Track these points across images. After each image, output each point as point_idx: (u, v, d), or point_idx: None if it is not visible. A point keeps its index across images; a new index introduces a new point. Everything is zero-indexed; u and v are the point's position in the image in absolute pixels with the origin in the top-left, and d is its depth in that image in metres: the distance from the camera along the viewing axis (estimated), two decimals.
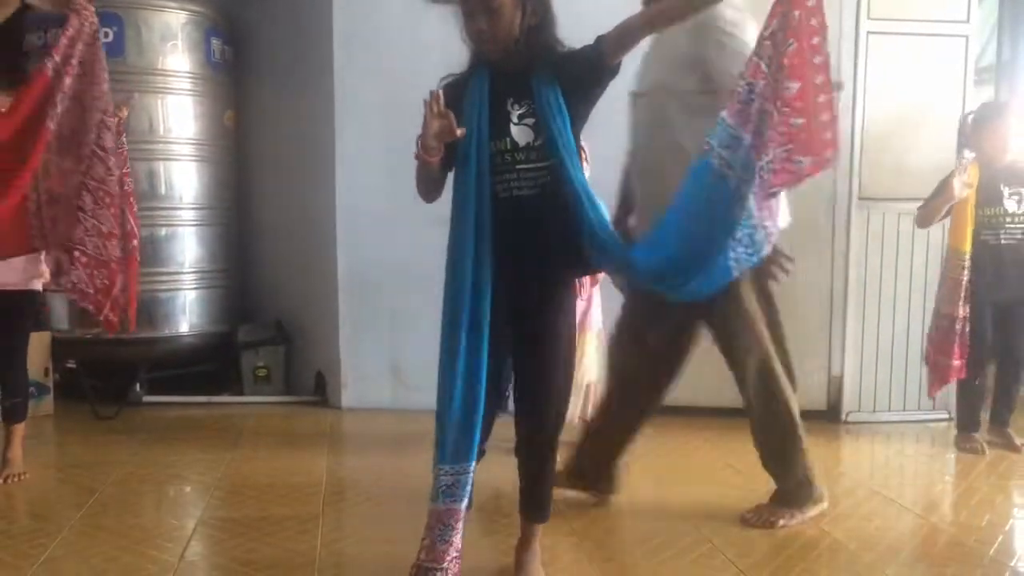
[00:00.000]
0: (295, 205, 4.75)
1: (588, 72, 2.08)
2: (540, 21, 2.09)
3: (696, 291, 2.20)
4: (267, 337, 4.70)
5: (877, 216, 4.08)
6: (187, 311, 4.52)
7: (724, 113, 2.15)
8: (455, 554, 2.14)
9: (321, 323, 4.49)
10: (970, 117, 3.73)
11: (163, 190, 4.38)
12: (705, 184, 2.15)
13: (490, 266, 2.07)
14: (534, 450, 2.23)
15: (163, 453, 3.59)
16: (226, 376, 4.74)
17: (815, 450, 3.64)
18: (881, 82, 4.02)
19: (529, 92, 2.08)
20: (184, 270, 4.49)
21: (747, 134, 2.11)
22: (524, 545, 2.31)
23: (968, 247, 3.57)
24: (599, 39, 2.06)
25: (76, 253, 3.04)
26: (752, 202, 2.10)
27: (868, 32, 3.99)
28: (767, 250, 2.16)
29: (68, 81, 2.99)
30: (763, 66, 2.11)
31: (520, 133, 2.08)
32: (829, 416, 4.17)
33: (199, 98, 4.50)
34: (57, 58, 2.97)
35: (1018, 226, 3.62)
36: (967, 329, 3.57)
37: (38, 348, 4.18)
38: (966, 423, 3.75)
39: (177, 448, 3.66)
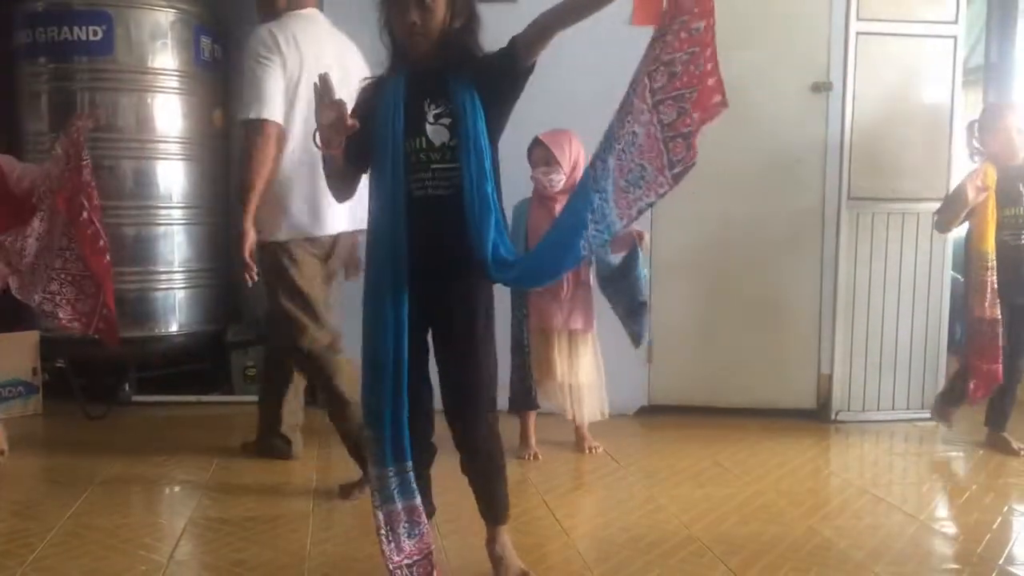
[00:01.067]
0: None
1: (504, 73, 2.07)
2: (465, 22, 2.10)
3: (531, 280, 2.36)
4: (257, 336, 4.67)
5: (867, 216, 4.09)
6: (176, 310, 4.50)
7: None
8: (430, 545, 2.16)
9: None
10: (976, 122, 3.75)
11: (152, 189, 4.36)
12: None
13: (406, 265, 2.07)
14: (471, 449, 2.24)
15: (152, 452, 3.57)
16: (216, 375, 4.73)
17: (806, 450, 3.69)
18: (870, 82, 4.03)
19: (446, 92, 2.07)
20: (173, 269, 4.47)
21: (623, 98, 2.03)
22: (491, 542, 2.34)
23: (990, 248, 3.57)
24: (512, 40, 2.06)
25: (54, 287, 3.13)
26: (612, 169, 1.99)
27: (857, 33, 4.00)
28: (621, 228, 2.01)
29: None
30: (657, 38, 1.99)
31: (435, 133, 2.07)
32: (819, 415, 4.19)
33: (188, 96, 4.47)
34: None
35: None
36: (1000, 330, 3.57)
37: (26, 347, 4.16)
38: (1000, 422, 3.74)
39: (167, 448, 3.64)
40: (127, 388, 4.41)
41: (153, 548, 2.57)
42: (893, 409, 4.17)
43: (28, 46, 4.26)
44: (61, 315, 3.22)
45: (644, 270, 3.41)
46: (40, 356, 4.25)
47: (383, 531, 2.13)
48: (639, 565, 2.45)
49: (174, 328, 4.50)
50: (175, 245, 4.46)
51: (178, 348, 4.59)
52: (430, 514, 2.30)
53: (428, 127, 2.08)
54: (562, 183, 3.40)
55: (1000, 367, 3.59)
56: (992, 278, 3.57)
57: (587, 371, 3.54)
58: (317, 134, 2.00)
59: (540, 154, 3.42)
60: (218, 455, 3.52)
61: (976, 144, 3.72)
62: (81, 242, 3.13)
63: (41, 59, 4.27)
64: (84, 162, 3.13)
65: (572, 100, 3.87)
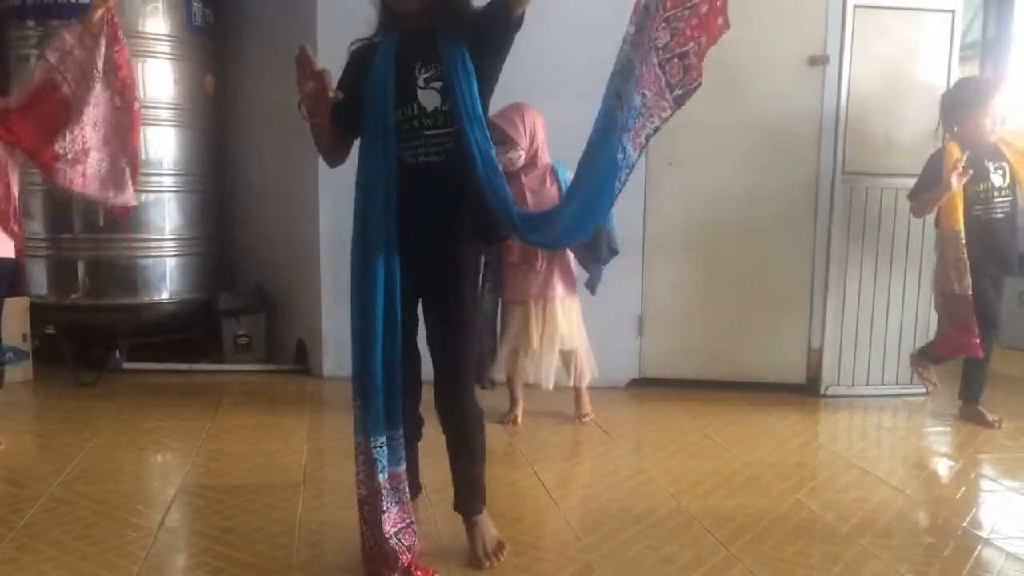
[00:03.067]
0: (276, 171, 4.70)
1: (493, 28, 2.02)
2: None
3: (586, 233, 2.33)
4: (248, 305, 4.67)
5: (860, 191, 4.09)
6: (167, 278, 4.48)
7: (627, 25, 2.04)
8: (411, 515, 2.16)
9: (302, 291, 4.47)
10: (948, 95, 3.74)
11: (143, 155, 4.31)
12: (605, 98, 2.07)
13: (396, 234, 2.05)
14: (454, 419, 2.23)
15: (143, 420, 3.58)
16: (207, 343, 4.72)
17: (795, 423, 3.71)
18: (867, 57, 4.01)
19: (436, 55, 2.03)
20: (164, 236, 4.45)
21: (632, 28, 2.00)
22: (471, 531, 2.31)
23: (962, 225, 3.59)
24: None
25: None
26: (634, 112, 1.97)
27: (855, 6, 3.97)
28: (636, 159, 1.99)
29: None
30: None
31: (427, 97, 2.04)
32: (808, 389, 4.21)
33: (179, 62, 4.43)
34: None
35: (1004, 199, 3.66)
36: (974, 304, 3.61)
37: (16, 313, 4.13)
38: (975, 394, 3.78)
39: (157, 415, 3.65)
40: (118, 355, 4.40)
41: (143, 515, 2.57)
42: (882, 384, 4.19)
43: (16, 9, 4.21)
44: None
45: (613, 221, 3.41)
46: (30, 322, 4.23)
47: (367, 504, 2.12)
48: (628, 536, 2.47)
49: (165, 296, 4.49)
50: (166, 212, 4.44)
51: (169, 316, 4.58)
52: (415, 494, 2.30)
53: (419, 92, 2.04)
54: (523, 158, 3.37)
55: (977, 341, 3.61)
56: (964, 253, 3.60)
57: (577, 336, 3.55)
58: (301, 105, 1.94)
59: (494, 135, 3.37)
60: (209, 423, 3.52)
61: (946, 118, 3.71)
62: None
63: (29, 22, 4.21)
64: (121, 44, 3.14)
65: (560, 66, 3.85)
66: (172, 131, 4.45)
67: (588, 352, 3.61)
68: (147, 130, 4.32)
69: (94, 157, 3.15)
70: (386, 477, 2.11)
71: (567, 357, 3.57)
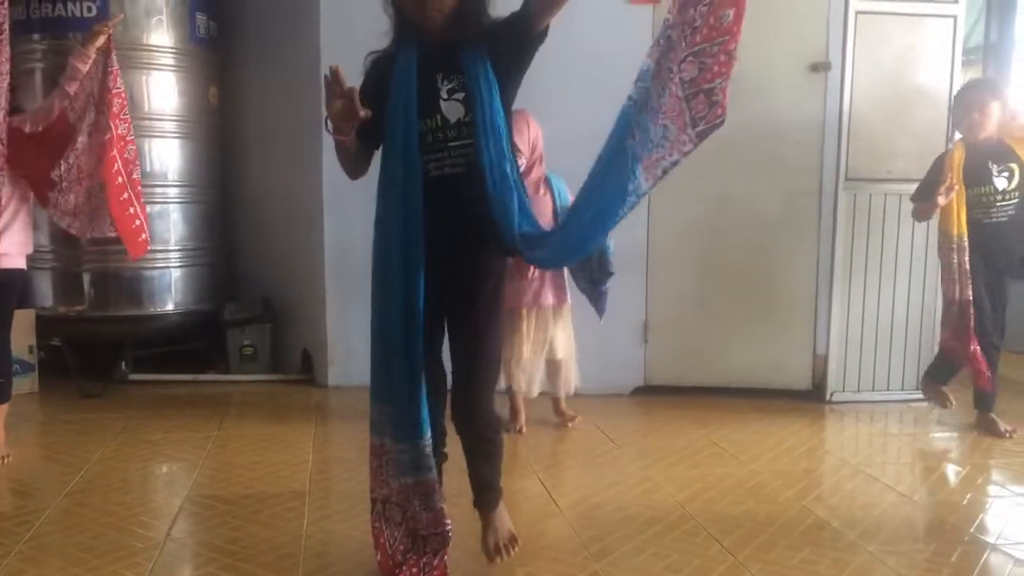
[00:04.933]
0: (281, 182, 4.72)
1: (516, 40, 2.02)
2: None
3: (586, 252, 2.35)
4: (253, 315, 4.68)
5: (864, 196, 4.08)
6: (173, 289, 4.50)
7: (645, 57, 2.02)
8: (445, 523, 2.15)
9: (307, 301, 4.48)
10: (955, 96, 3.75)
11: (147, 167, 4.33)
12: (618, 127, 2.02)
13: (422, 246, 2.04)
14: (471, 429, 2.22)
15: (149, 431, 3.58)
16: (212, 354, 4.73)
17: (800, 430, 3.70)
18: (869, 63, 4.01)
19: (458, 66, 2.02)
20: (170, 248, 4.46)
21: (651, 61, 1.98)
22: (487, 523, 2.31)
23: (957, 230, 3.58)
24: (525, 4, 2.00)
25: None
26: (655, 135, 1.94)
27: (857, 12, 3.98)
28: (647, 189, 1.97)
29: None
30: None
31: (450, 109, 2.03)
32: (814, 396, 4.20)
33: (183, 74, 4.45)
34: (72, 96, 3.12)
35: (1009, 203, 3.60)
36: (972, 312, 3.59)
37: (22, 325, 4.15)
38: (989, 403, 3.73)
39: (163, 426, 3.65)
40: (123, 366, 4.41)
41: (150, 526, 2.58)
42: (888, 390, 4.18)
43: (22, 22, 4.23)
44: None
45: (611, 242, 3.40)
46: (36, 334, 4.24)
47: (385, 515, 2.14)
48: (634, 544, 2.47)
49: (170, 307, 4.50)
50: (171, 224, 4.46)
51: (175, 327, 4.59)
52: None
53: (442, 104, 2.03)
54: (522, 167, 3.38)
55: (973, 348, 3.60)
56: (961, 259, 3.59)
57: (564, 345, 3.56)
58: (328, 121, 1.95)
59: None
60: (214, 433, 3.53)
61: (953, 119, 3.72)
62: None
63: (35, 35, 4.24)
64: (113, 68, 3.16)
65: (569, 78, 3.86)
66: (177, 143, 4.47)
67: (573, 362, 3.63)
68: (152, 142, 4.35)
69: (85, 185, 3.17)
70: (411, 481, 2.10)
71: (553, 366, 3.58)
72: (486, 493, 2.31)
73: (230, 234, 4.94)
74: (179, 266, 4.50)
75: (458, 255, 2.11)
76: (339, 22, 4.06)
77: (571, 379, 3.63)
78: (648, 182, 1.95)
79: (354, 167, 2.15)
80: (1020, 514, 2.83)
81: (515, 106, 3.24)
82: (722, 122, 1.89)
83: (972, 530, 2.62)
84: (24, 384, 4.15)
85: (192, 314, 4.60)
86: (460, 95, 2.02)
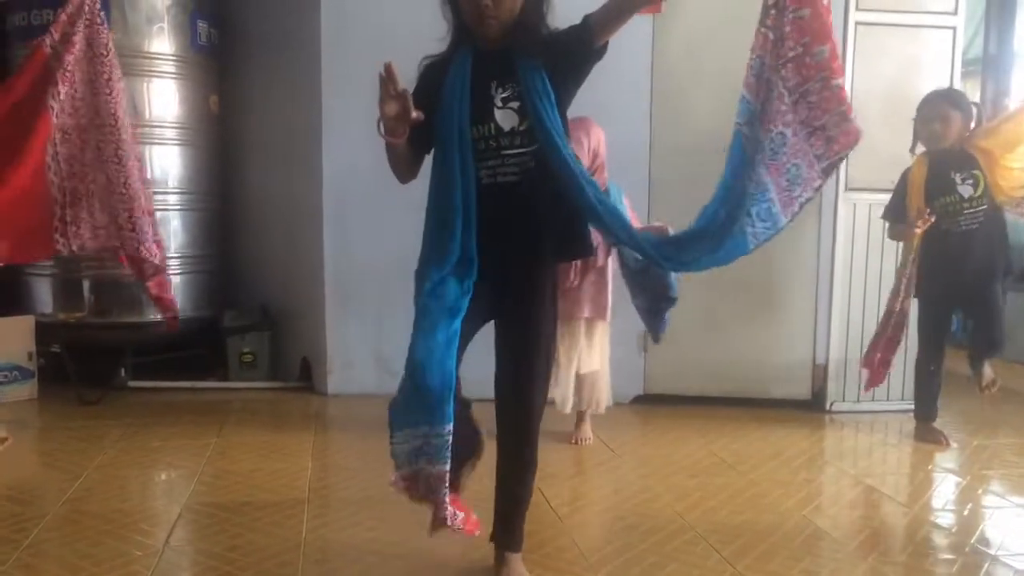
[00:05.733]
0: (281, 190, 4.72)
1: (574, 54, 2.02)
2: (535, 3, 2.03)
3: (706, 266, 2.25)
4: (253, 322, 4.68)
5: (863, 207, 4.09)
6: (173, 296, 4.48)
7: (743, 88, 2.15)
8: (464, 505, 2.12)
9: (307, 309, 4.48)
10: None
11: (148, 174, 4.33)
12: (733, 159, 2.18)
13: (476, 256, 2.02)
14: (516, 443, 2.19)
15: (148, 438, 3.58)
16: (212, 361, 4.72)
17: (800, 440, 3.70)
18: (868, 73, 4.02)
19: (513, 75, 2.01)
20: (169, 255, 4.44)
21: (757, 103, 2.13)
22: (501, 568, 2.25)
23: (914, 244, 3.60)
24: (586, 19, 2.00)
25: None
26: (767, 175, 2.12)
27: (857, 23, 3.99)
28: (785, 223, 2.15)
29: (70, 59, 2.94)
30: (770, 36, 2.11)
31: (504, 117, 2.02)
32: (813, 406, 4.20)
33: (184, 81, 4.45)
34: (56, 35, 2.94)
35: (978, 210, 3.55)
36: (904, 322, 3.68)
37: (22, 332, 4.15)
38: (927, 414, 3.75)
39: (162, 433, 3.65)
40: (123, 373, 4.41)
41: (149, 534, 2.57)
42: (887, 400, 4.18)
43: (22, 29, 4.24)
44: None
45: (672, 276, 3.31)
46: (36, 341, 4.24)
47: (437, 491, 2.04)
48: (634, 553, 2.46)
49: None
50: (171, 231, 4.45)
51: (174, 334, 4.58)
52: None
53: (497, 112, 2.02)
54: None
55: (891, 357, 3.73)
56: (912, 271, 3.62)
57: (594, 360, 3.47)
58: (381, 123, 1.93)
59: None
60: (214, 441, 3.52)
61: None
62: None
63: (35, 42, 4.23)
64: (101, 24, 3.08)
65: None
66: (177, 150, 4.47)
67: (607, 380, 3.56)
68: (152, 149, 4.35)
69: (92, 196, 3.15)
70: (441, 468, 2.00)
71: (581, 381, 3.50)
72: (508, 530, 2.24)
73: (230, 241, 4.94)
74: (179, 273, 4.49)
75: (511, 265, 2.09)
76: (339, 31, 4.08)
77: (602, 398, 3.55)
78: (787, 216, 2.14)
79: (404, 170, 2.12)
80: (1020, 525, 2.83)
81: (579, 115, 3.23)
82: (843, 158, 2.15)
83: (972, 541, 2.62)
84: (23, 391, 4.15)
85: (191, 321, 4.59)
86: (515, 104, 2.02)
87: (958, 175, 3.57)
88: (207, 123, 4.64)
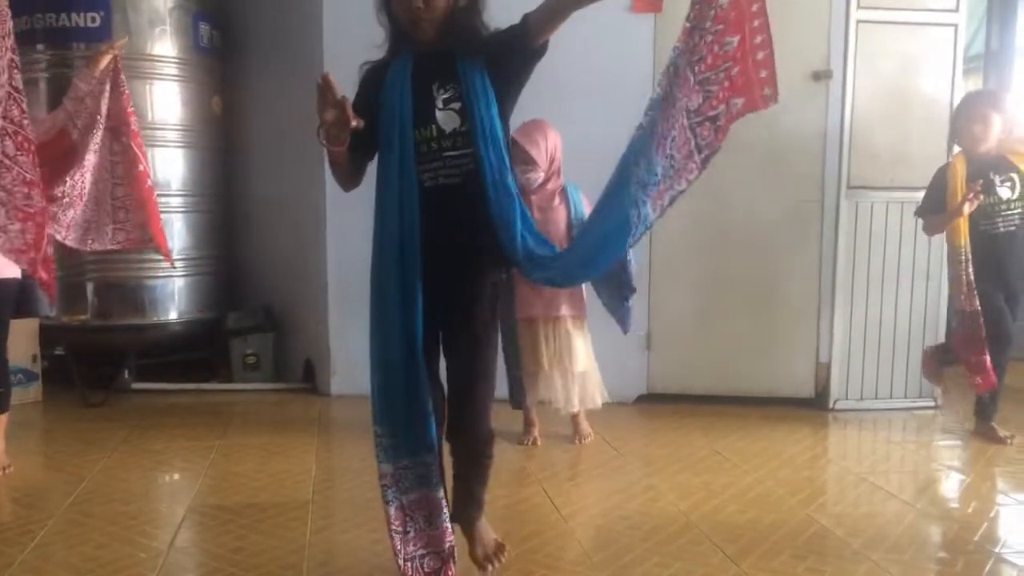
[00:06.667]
0: (284, 191, 4.73)
1: (515, 54, 2.01)
2: (469, 1, 2.02)
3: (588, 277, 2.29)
4: (256, 324, 4.69)
5: (866, 204, 4.09)
6: (175, 298, 4.50)
7: (656, 86, 2.04)
8: (445, 542, 2.15)
9: (310, 310, 4.49)
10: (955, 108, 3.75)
11: (151, 176, 4.35)
12: (625, 155, 2.05)
13: (419, 259, 2.02)
14: (467, 445, 2.21)
15: (152, 440, 3.58)
16: (215, 363, 4.73)
17: (804, 438, 3.70)
18: (870, 71, 4.02)
19: (455, 75, 2.01)
20: (172, 257, 4.46)
21: (661, 91, 2.00)
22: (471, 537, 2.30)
23: (963, 241, 3.58)
24: (524, 18, 1.99)
25: (121, 215, 3.26)
26: (658, 164, 1.97)
27: (858, 20, 3.99)
28: (654, 219, 2.02)
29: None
30: (687, 26, 1.98)
31: (446, 119, 2.01)
32: (817, 403, 4.19)
33: (187, 83, 4.47)
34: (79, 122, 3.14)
35: (1014, 212, 3.59)
36: (978, 318, 3.58)
37: (25, 335, 4.16)
38: (990, 412, 3.73)
39: (166, 435, 3.65)
40: (126, 375, 4.42)
41: (153, 536, 2.58)
42: (891, 398, 4.17)
43: (25, 32, 4.24)
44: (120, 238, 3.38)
45: (632, 258, 3.38)
46: (40, 343, 4.25)
47: (394, 525, 2.12)
48: (638, 552, 2.46)
49: (173, 316, 4.51)
50: (174, 232, 4.46)
51: (177, 336, 4.60)
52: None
53: (438, 113, 2.01)
54: (540, 179, 3.35)
55: (986, 358, 3.59)
56: (967, 271, 3.58)
57: (579, 359, 3.47)
58: (321, 130, 1.93)
59: (516, 154, 3.33)
60: (217, 443, 3.53)
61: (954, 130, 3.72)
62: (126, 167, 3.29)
63: (39, 46, 4.26)
64: (123, 88, 3.23)
65: (570, 88, 3.87)
66: (180, 152, 4.49)
67: (597, 376, 3.56)
68: (155, 151, 4.36)
69: (85, 201, 3.19)
70: (414, 499, 2.11)
71: (573, 380, 3.49)
72: (471, 508, 2.29)
73: (233, 243, 4.95)
74: (182, 275, 4.50)
75: (453, 267, 2.09)
76: (342, 32, 4.07)
77: (596, 394, 3.54)
78: (655, 212, 1.97)
79: (347, 178, 2.13)
80: None
81: (532, 116, 3.24)
82: (719, 148, 1.92)
83: (976, 539, 2.62)
84: (28, 393, 4.16)
85: (195, 323, 4.61)
86: (456, 105, 2.01)
87: (997, 176, 3.59)
88: (210, 125, 4.65)
